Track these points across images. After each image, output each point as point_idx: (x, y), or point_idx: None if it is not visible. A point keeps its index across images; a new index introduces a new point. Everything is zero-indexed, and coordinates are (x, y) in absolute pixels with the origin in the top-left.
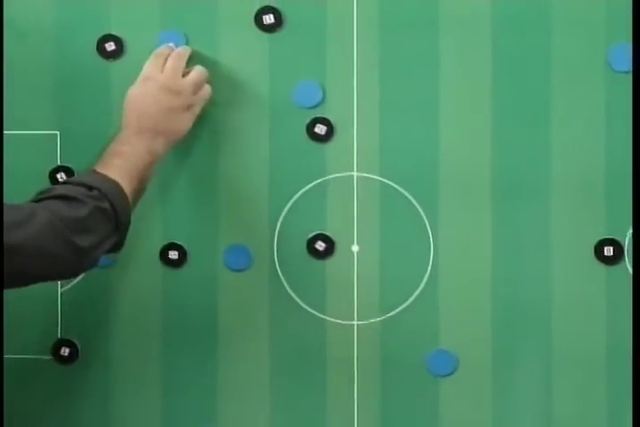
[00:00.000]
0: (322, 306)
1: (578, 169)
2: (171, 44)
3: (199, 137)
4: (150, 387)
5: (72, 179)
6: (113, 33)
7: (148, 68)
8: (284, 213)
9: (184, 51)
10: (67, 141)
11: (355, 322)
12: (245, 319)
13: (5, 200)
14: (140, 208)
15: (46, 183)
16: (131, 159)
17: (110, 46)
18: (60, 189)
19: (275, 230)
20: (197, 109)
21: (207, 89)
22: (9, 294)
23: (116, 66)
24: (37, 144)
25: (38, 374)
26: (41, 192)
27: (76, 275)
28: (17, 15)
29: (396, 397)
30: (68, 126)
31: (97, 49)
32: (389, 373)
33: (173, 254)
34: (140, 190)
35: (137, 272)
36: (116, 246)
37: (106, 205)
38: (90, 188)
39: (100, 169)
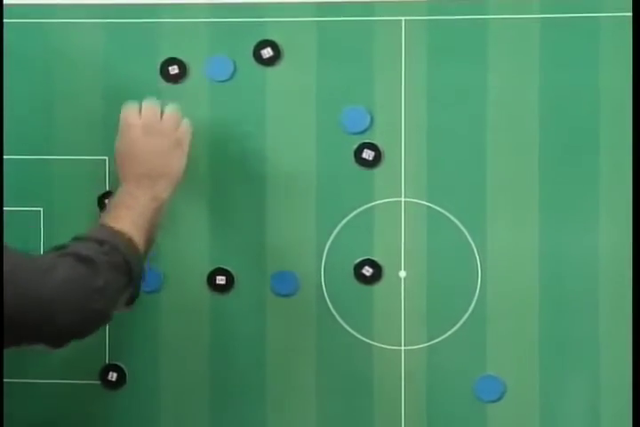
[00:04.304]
0: (369, 331)
1: (625, 189)
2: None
3: (245, 163)
4: (198, 412)
5: (82, 234)
6: (170, 57)
7: (125, 116)
8: (331, 239)
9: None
10: (115, 166)
11: (402, 347)
12: (293, 344)
13: (55, 227)
14: (188, 234)
15: (95, 208)
16: (136, 209)
17: (174, 70)
18: (73, 247)
19: (322, 256)
20: (186, 146)
21: (187, 123)
22: None
23: (166, 91)
24: (86, 169)
25: (86, 399)
26: (55, 248)
27: (85, 334)
28: (66, 42)
29: (444, 422)
30: None
31: (145, 74)
32: (436, 398)
33: (221, 280)
34: (150, 239)
35: (184, 297)
36: (131, 300)
37: (119, 258)
38: (101, 243)
39: (109, 222)
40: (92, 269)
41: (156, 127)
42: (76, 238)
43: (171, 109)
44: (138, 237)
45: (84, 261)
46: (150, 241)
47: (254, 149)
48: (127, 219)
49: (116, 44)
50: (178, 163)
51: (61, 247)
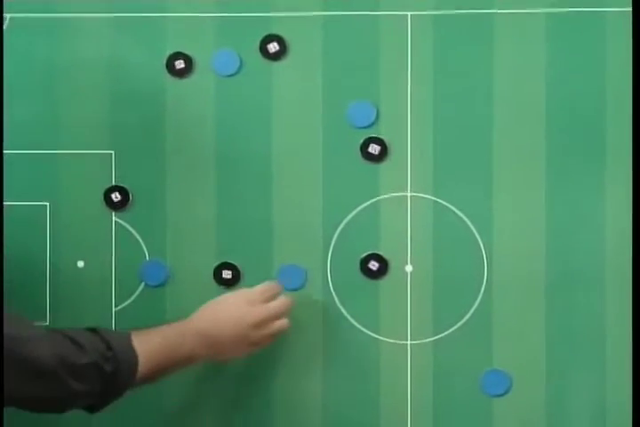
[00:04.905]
0: (375, 326)
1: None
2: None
3: (252, 158)
4: (205, 404)
5: (104, 330)
6: (176, 52)
7: (255, 292)
8: (337, 233)
9: (290, 301)
10: (121, 161)
11: (408, 342)
12: (299, 339)
13: (62, 222)
14: (194, 228)
15: (101, 203)
16: (169, 348)
17: (180, 64)
18: (79, 334)
19: (328, 250)
20: (260, 347)
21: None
22: (63, 312)
23: (172, 85)
24: (92, 164)
25: None
26: (65, 328)
27: (46, 410)
28: (71, 37)
29: (450, 416)
30: (123, 146)
31: (151, 69)
32: (443, 392)
33: (227, 274)
34: (153, 376)
35: (191, 291)
36: (92, 408)
37: (109, 368)
38: (109, 348)
39: (136, 338)
40: (81, 352)
41: (259, 325)
42: (92, 329)
43: (282, 324)
44: (144, 366)
45: (74, 343)
46: (150, 377)
47: (260, 144)
48: (152, 348)
49: (121, 38)
50: (238, 355)
51: (67, 329)
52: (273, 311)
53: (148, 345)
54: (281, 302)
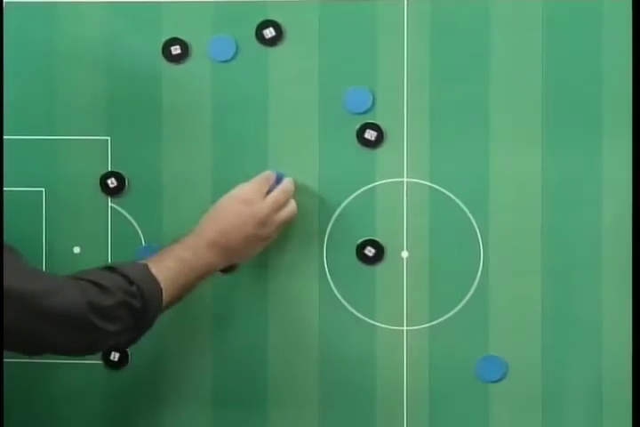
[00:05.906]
0: (371, 312)
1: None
2: (273, 174)
3: (247, 144)
4: (200, 389)
5: (121, 266)
6: (172, 37)
7: (251, 190)
8: (333, 219)
9: (290, 186)
10: (117, 147)
11: (404, 328)
12: (295, 324)
13: (57, 208)
14: (190, 211)
15: (97, 189)
16: (187, 267)
17: (176, 50)
18: (96, 276)
19: (324, 236)
20: (271, 239)
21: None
22: None
23: (168, 71)
24: (88, 150)
25: (88, 379)
26: (81, 271)
27: (82, 354)
28: (68, 22)
29: (445, 402)
30: (119, 132)
31: (147, 55)
32: (438, 378)
33: None
34: (178, 298)
35: None
36: (129, 343)
37: (137, 304)
38: (131, 282)
39: (153, 266)
40: (107, 293)
41: (266, 221)
42: (109, 268)
43: (290, 211)
44: (168, 293)
45: (100, 287)
46: (176, 299)
47: (256, 130)
48: (171, 273)
49: (118, 23)
50: (253, 253)
51: (87, 272)
52: (272, 206)
53: (166, 271)
54: (276, 194)
